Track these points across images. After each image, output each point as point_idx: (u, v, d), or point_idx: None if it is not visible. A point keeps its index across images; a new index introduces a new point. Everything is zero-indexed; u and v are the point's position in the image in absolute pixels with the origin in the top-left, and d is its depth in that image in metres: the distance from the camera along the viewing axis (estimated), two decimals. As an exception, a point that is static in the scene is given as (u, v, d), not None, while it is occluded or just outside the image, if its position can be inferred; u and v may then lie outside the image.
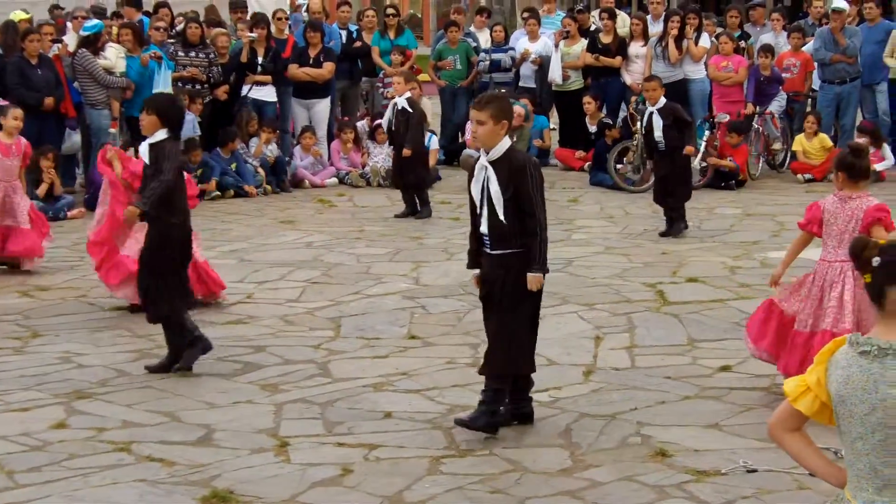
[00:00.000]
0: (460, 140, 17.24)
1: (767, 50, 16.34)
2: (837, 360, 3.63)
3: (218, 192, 15.09)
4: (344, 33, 17.71)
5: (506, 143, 6.83)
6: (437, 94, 18.29)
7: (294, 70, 16.35)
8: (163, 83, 15.01)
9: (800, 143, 16.12)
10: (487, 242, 6.88)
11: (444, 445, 6.77)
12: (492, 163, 6.78)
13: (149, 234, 8.14)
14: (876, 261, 3.54)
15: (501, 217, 6.73)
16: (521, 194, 6.73)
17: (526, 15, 19.26)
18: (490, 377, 6.92)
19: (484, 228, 6.86)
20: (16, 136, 11.21)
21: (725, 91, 16.53)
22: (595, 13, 19.47)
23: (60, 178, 14.10)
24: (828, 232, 7.29)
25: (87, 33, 14.92)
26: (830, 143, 15.90)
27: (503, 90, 17.10)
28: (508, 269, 6.79)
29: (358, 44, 17.73)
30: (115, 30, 16.03)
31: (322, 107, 16.66)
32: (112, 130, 14.79)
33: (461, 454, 6.64)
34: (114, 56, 15.03)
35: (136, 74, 14.95)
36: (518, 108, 15.75)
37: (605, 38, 17.13)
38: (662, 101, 12.53)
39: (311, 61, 16.43)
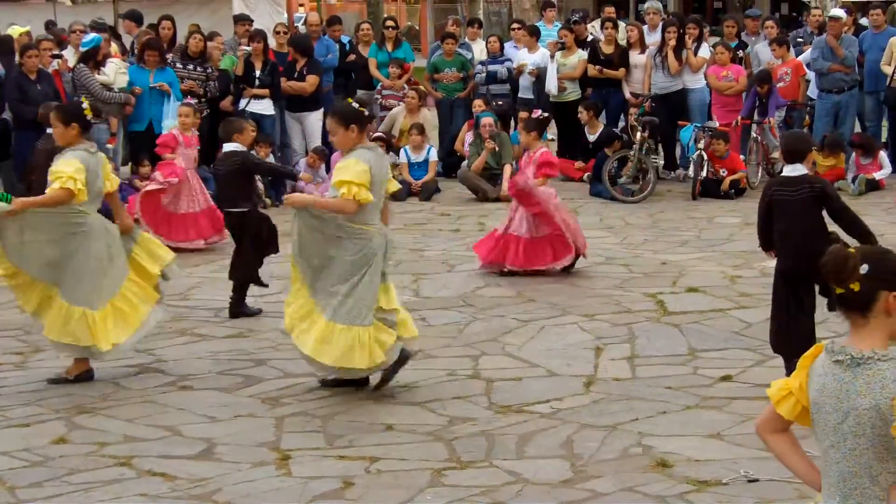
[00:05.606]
0: (458, 154, 17.18)
1: (764, 80, 16.10)
2: (815, 367, 3.67)
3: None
4: (337, 47, 17.71)
5: None
6: (434, 106, 18.30)
7: (283, 83, 16.37)
8: (172, 115, 15.03)
9: (814, 155, 16.04)
10: None
11: (445, 457, 6.77)
12: None
13: None
14: (864, 268, 3.53)
15: None
16: None
17: (515, 26, 19.31)
18: None
19: None
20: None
21: (726, 100, 16.49)
22: (593, 24, 19.49)
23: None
24: None
25: (85, 48, 14.93)
26: (843, 164, 15.83)
27: (500, 101, 17.18)
28: None
29: (352, 57, 17.74)
30: (113, 47, 16.03)
31: (314, 119, 16.60)
32: (109, 146, 14.80)
33: (462, 466, 6.64)
34: (113, 72, 15.04)
35: (143, 86, 15.03)
36: (487, 120, 16.09)
37: (606, 49, 17.13)
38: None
39: (295, 74, 16.45)
